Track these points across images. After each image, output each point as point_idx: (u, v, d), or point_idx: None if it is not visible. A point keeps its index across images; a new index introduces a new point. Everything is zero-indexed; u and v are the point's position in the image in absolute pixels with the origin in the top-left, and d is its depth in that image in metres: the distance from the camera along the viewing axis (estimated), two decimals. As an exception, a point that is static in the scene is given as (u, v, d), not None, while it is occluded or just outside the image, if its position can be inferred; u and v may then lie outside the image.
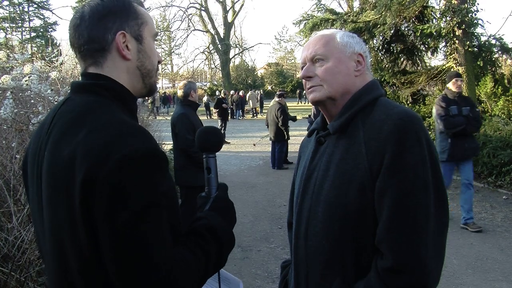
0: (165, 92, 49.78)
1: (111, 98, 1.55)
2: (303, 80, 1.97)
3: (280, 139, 13.92)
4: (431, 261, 1.62)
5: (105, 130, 1.39)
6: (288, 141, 14.50)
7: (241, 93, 38.45)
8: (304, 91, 2.42)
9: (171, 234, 1.43)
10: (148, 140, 1.42)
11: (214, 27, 54.22)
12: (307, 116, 16.77)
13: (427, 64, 17.50)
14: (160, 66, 1.78)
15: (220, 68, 56.62)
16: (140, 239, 1.32)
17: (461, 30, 12.78)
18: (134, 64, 1.62)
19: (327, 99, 1.90)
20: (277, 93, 15.13)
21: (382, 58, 16.75)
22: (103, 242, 1.34)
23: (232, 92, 37.86)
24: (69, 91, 1.66)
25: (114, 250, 1.33)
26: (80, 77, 1.65)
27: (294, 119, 14.90)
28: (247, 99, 38.28)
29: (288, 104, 16.46)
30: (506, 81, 13.99)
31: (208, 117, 34.54)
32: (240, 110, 36.84)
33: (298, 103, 46.49)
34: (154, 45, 1.70)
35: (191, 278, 1.45)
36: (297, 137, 16.61)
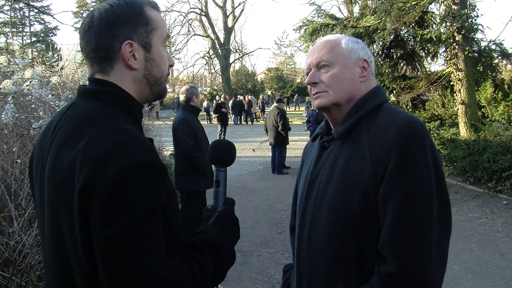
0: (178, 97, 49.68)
1: (116, 106, 1.54)
2: (308, 86, 1.98)
3: (280, 144, 13.90)
4: (434, 266, 1.63)
5: (106, 139, 1.39)
6: (287, 146, 14.49)
7: (246, 97, 38.19)
8: (295, 97, 2.40)
9: (166, 245, 1.42)
10: (148, 151, 1.41)
11: (214, 32, 54.16)
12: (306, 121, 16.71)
13: (427, 69, 17.55)
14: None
15: (220, 73, 56.49)
16: (134, 248, 1.32)
17: (461, 35, 12.80)
18: (141, 73, 1.60)
19: (333, 105, 1.91)
20: (275, 98, 15.13)
21: (382, 63, 16.78)
22: (97, 251, 1.33)
23: (238, 97, 37.63)
24: (69, 96, 1.65)
25: (108, 259, 1.32)
26: (86, 81, 1.64)
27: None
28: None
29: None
30: (506, 86, 14.03)
31: (208, 122, 34.54)
32: (239, 116, 36.39)
33: (288, 109, 46.70)
34: (164, 51, 1.67)
35: None
36: (296, 142, 16.63)
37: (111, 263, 1.32)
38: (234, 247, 1.70)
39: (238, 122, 36.02)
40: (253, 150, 18.32)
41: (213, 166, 1.84)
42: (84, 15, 1.62)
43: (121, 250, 1.31)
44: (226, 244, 1.65)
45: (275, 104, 14.55)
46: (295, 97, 49.50)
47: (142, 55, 1.59)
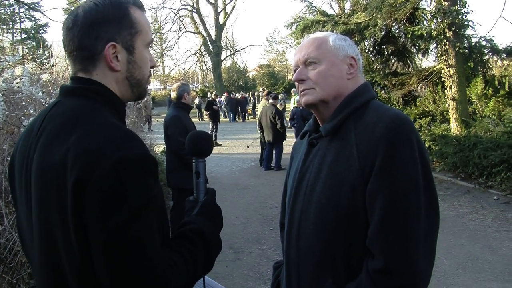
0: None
1: (101, 102, 1.54)
2: (296, 83, 1.98)
3: (277, 141, 13.90)
4: (421, 262, 1.64)
5: (97, 133, 1.39)
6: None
7: (241, 94, 37.99)
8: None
9: (160, 237, 1.44)
10: (140, 145, 1.43)
11: (205, 29, 54.03)
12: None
13: (418, 66, 17.57)
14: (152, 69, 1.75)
15: (211, 70, 56.34)
16: (132, 241, 1.33)
17: (451, 32, 12.83)
18: (123, 75, 1.60)
19: (320, 102, 1.91)
20: (271, 95, 15.03)
21: (373, 59, 16.79)
22: (94, 245, 1.34)
23: (233, 93, 37.36)
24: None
25: (107, 253, 1.33)
26: (69, 80, 1.64)
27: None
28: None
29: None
30: (496, 82, 14.05)
31: (200, 119, 34.48)
32: (235, 113, 36.02)
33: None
34: (147, 53, 1.67)
35: (181, 280, 1.46)
36: (288, 139, 16.64)
37: (110, 257, 1.33)
38: (219, 236, 1.72)
39: (239, 119, 35.72)
40: (248, 147, 18.27)
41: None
42: (73, 12, 1.60)
43: (120, 243, 1.32)
44: (213, 233, 1.67)
45: (270, 101, 14.44)
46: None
47: (125, 57, 1.59)
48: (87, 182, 1.32)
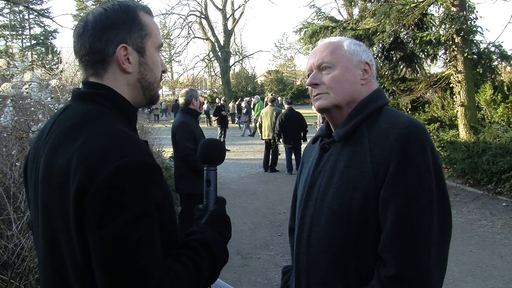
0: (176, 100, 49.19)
1: (111, 108, 1.55)
2: (309, 88, 1.98)
3: (300, 145, 13.97)
4: (433, 269, 1.63)
5: (101, 140, 1.39)
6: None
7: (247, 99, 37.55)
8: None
9: (162, 245, 1.43)
10: (143, 152, 1.42)
11: (214, 35, 54.10)
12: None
13: (427, 72, 17.54)
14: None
15: (220, 76, 56.43)
16: (131, 248, 1.32)
17: (460, 38, 12.80)
18: (135, 77, 1.61)
19: (333, 107, 1.91)
20: (287, 100, 15.01)
21: (381, 65, 16.78)
22: (93, 250, 1.34)
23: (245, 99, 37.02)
24: (69, 99, 1.65)
25: (104, 259, 1.32)
26: (81, 85, 1.65)
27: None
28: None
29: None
30: (505, 88, 14.01)
31: (208, 125, 34.44)
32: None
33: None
34: (157, 56, 1.68)
35: None
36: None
37: (107, 264, 1.32)
38: (226, 246, 1.71)
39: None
40: (279, 154, 18.03)
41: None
42: (82, 18, 1.62)
43: (118, 250, 1.32)
44: (219, 243, 1.66)
45: (286, 106, 14.41)
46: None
47: (136, 59, 1.60)
48: (88, 189, 1.32)
